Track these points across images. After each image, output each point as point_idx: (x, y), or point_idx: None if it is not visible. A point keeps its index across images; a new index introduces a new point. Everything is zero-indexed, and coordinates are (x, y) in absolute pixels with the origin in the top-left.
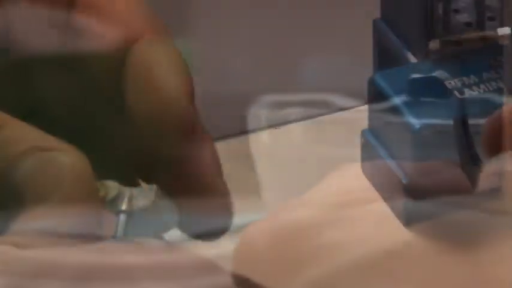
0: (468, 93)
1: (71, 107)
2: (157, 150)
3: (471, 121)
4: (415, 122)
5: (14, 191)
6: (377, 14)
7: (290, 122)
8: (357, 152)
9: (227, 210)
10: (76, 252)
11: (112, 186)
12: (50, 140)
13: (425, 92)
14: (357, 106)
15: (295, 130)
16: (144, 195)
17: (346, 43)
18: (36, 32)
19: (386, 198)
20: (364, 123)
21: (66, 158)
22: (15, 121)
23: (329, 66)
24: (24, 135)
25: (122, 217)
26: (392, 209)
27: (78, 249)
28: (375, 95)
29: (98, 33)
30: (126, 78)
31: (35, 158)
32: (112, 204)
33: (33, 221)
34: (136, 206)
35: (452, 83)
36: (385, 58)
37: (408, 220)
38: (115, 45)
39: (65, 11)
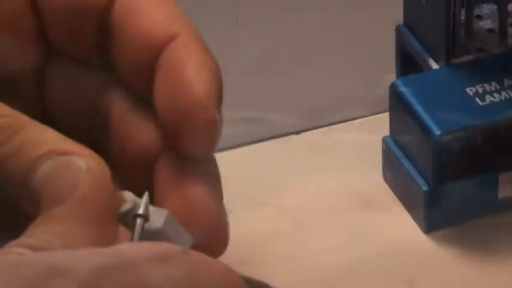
0: (489, 100)
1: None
2: (178, 147)
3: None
4: (435, 128)
5: (31, 195)
6: (400, 19)
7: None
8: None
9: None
10: (91, 254)
11: (129, 198)
12: (69, 144)
13: (446, 98)
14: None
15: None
16: (156, 215)
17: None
18: (73, 34)
19: (407, 205)
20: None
21: (85, 162)
22: (34, 123)
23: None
24: (42, 138)
25: (139, 221)
26: (413, 216)
27: (93, 251)
28: (397, 101)
29: (135, 33)
30: (157, 76)
31: (53, 161)
32: (126, 215)
33: (49, 224)
34: (151, 226)
35: (473, 89)
36: (407, 63)
37: (428, 227)
38: (150, 45)
39: (103, 10)
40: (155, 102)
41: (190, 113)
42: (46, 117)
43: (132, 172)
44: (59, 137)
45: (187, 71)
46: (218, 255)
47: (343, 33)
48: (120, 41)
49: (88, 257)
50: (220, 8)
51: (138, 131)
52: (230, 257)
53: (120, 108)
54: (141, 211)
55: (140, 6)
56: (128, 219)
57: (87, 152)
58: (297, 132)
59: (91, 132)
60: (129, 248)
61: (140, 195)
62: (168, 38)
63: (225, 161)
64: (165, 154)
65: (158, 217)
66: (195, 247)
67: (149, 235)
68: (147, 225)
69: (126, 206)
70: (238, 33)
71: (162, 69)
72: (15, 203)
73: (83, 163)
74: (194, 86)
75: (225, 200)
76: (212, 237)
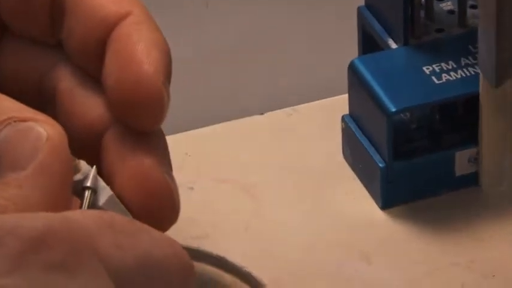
0: (445, 78)
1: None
2: (126, 121)
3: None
4: (390, 105)
5: None
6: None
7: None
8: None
9: (174, 206)
10: (39, 216)
11: (83, 168)
12: (28, 111)
13: (403, 77)
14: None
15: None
16: (101, 194)
17: (332, 30)
18: (25, 13)
19: (365, 182)
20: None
21: (45, 131)
22: None
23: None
24: (1, 106)
25: (87, 193)
26: (370, 193)
27: (42, 214)
28: (354, 80)
29: (86, 11)
30: (107, 53)
31: (12, 127)
32: (77, 185)
33: (6, 188)
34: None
35: (430, 68)
36: (368, 44)
37: (385, 203)
38: (100, 23)
39: None
40: (104, 78)
41: (139, 88)
42: None
43: (80, 147)
44: (18, 105)
45: (137, 47)
46: (170, 224)
47: (307, 17)
48: (71, 19)
49: (36, 219)
50: None
51: (85, 107)
52: (191, 231)
53: (67, 85)
54: (89, 183)
55: None
56: (78, 188)
57: (47, 119)
58: (261, 113)
59: (40, 109)
60: (77, 214)
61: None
62: (119, 17)
63: (190, 139)
64: (112, 128)
65: (101, 196)
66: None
67: (99, 185)
68: (98, 198)
69: (78, 176)
70: (208, 16)
71: (112, 46)
72: None
73: (43, 131)
74: (143, 63)
75: (187, 178)
76: (163, 206)
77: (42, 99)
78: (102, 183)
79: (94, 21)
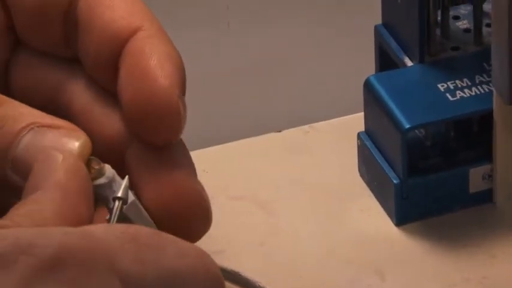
0: (460, 95)
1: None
2: (144, 136)
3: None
4: (404, 122)
5: (15, 164)
6: (379, 19)
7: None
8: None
9: (208, 215)
10: (58, 232)
11: (107, 172)
12: (48, 118)
13: (417, 94)
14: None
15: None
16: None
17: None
18: (40, 27)
19: (380, 199)
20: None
21: (61, 154)
22: (13, 100)
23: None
24: (22, 112)
25: (117, 203)
26: (385, 209)
27: (60, 229)
28: (370, 97)
29: (99, 26)
30: (121, 67)
31: (34, 133)
32: (100, 188)
33: (23, 206)
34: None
35: (445, 85)
36: (384, 62)
37: (399, 220)
38: (113, 38)
39: (69, 4)
40: (119, 93)
41: (155, 102)
42: None
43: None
44: (37, 112)
45: (150, 61)
46: (203, 233)
47: (325, 36)
48: (85, 34)
49: (53, 234)
50: (212, 12)
51: (103, 123)
52: (208, 246)
53: (83, 100)
54: (120, 194)
55: (104, 2)
56: (102, 192)
57: (67, 124)
58: (278, 131)
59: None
60: (100, 229)
61: None
62: (131, 31)
63: (208, 156)
64: (135, 144)
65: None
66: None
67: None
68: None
69: (101, 180)
70: (229, 35)
71: (125, 61)
72: None
73: (59, 154)
74: (158, 76)
75: (207, 192)
76: (198, 215)
77: (56, 113)
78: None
79: (106, 36)
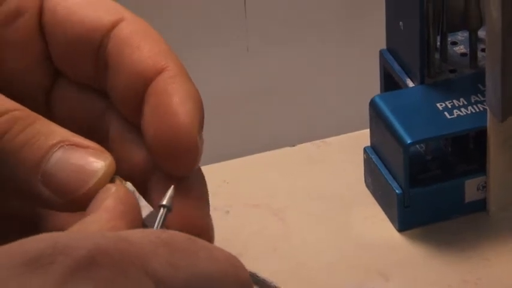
0: (457, 113)
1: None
2: (164, 168)
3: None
4: (406, 138)
5: (46, 178)
6: (383, 44)
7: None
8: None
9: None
10: (95, 236)
11: (130, 186)
12: (78, 137)
13: (418, 112)
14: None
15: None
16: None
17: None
18: (73, 61)
19: (384, 207)
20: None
21: (115, 186)
22: (45, 119)
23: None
24: (53, 130)
25: (162, 210)
26: (389, 216)
27: (99, 233)
28: (375, 115)
29: (127, 66)
30: (146, 105)
31: (64, 150)
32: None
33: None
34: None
35: (443, 104)
36: (388, 83)
37: (402, 226)
38: (140, 77)
39: (100, 45)
40: (143, 129)
41: (176, 139)
42: None
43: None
44: (67, 131)
45: (172, 100)
46: None
47: (335, 60)
48: (114, 72)
49: (89, 237)
50: (232, 36)
51: (131, 152)
52: (226, 250)
53: (115, 130)
54: (165, 202)
55: (133, 43)
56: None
57: (94, 145)
58: (292, 145)
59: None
60: (135, 234)
61: None
62: (156, 71)
63: (228, 168)
64: (157, 173)
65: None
66: None
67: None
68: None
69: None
70: (248, 58)
71: (150, 99)
72: (26, 185)
73: (112, 187)
74: (179, 114)
75: (224, 202)
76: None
77: (93, 138)
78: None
79: (133, 75)
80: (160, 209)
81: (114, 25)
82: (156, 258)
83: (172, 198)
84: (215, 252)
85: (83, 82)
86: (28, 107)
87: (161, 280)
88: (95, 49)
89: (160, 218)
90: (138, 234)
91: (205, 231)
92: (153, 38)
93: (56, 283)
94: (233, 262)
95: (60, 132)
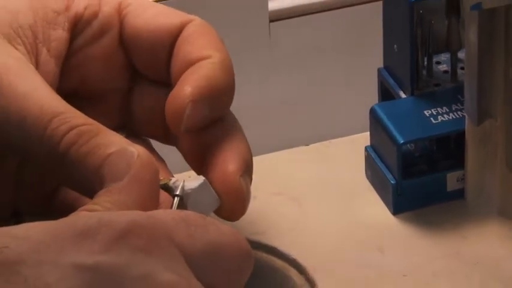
0: (440, 119)
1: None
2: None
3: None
4: (399, 138)
5: (103, 181)
6: (381, 63)
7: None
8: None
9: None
10: (131, 213)
11: (174, 177)
12: (130, 143)
13: (409, 118)
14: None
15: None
16: (194, 181)
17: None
18: (151, 63)
19: (381, 195)
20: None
21: (136, 151)
22: (108, 130)
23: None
24: (112, 140)
25: (176, 200)
26: (385, 202)
27: (133, 212)
28: (374, 120)
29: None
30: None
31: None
32: (170, 188)
33: (109, 194)
34: (188, 188)
35: (429, 111)
36: (385, 94)
37: (395, 210)
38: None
39: (170, 45)
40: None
41: (235, 199)
42: (130, 126)
43: None
44: (125, 140)
45: (227, 160)
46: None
47: (343, 77)
48: (172, 64)
49: (127, 215)
50: (252, 50)
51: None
52: (253, 228)
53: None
54: (177, 192)
55: (190, 39)
56: (171, 190)
57: (141, 148)
58: (306, 144)
59: (165, 139)
60: (161, 212)
61: None
62: (200, 59)
63: (256, 163)
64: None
65: (196, 182)
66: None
67: (187, 194)
68: (189, 186)
69: (171, 181)
70: (272, 76)
71: (209, 159)
72: (90, 186)
73: (134, 150)
74: (236, 175)
75: (252, 190)
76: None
77: (170, 137)
78: (194, 176)
79: (183, 64)
80: (175, 198)
81: (182, 27)
82: (178, 231)
83: (183, 189)
84: (221, 226)
85: (158, 79)
86: (110, 109)
87: (182, 247)
88: (167, 49)
89: (176, 203)
90: (162, 212)
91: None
92: (209, 36)
93: (100, 248)
94: (235, 234)
95: (117, 142)
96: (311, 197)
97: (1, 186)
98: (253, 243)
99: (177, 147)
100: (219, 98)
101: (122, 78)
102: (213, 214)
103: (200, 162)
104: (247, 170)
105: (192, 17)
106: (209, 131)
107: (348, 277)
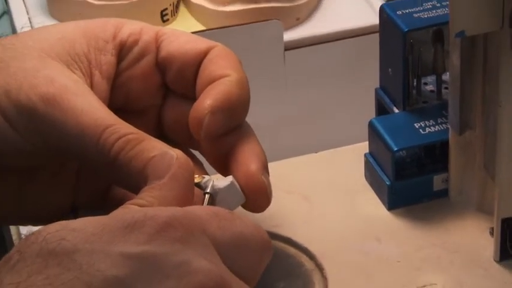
0: (428, 130)
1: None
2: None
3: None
4: (394, 146)
5: (146, 176)
6: (377, 84)
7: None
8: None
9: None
10: (170, 209)
11: (206, 177)
12: (170, 147)
13: (401, 129)
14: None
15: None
16: (223, 180)
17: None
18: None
19: (378, 193)
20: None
21: (176, 154)
22: (150, 137)
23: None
24: (154, 146)
25: (207, 197)
26: (381, 200)
27: (172, 208)
28: (372, 131)
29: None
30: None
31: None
32: (202, 186)
33: (151, 191)
34: (217, 187)
35: (419, 124)
36: (381, 109)
37: (390, 206)
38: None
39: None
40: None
41: (259, 195)
42: (162, 136)
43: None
44: (166, 145)
45: (247, 159)
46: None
47: (347, 95)
48: (197, 81)
49: (168, 210)
50: (269, 73)
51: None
52: (272, 221)
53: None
54: (208, 190)
55: (213, 60)
56: (204, 188)
57: (179, 151)
58: (316, 152)
59: (190, 144)
60: (195, 208)
61: None
62: (220, 77)
63: (273, 167)
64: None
65: (225, 181)
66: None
67: (216, 191)
68: (219, 185)
69: (204, 179)
70: (287, 94)
71: (232, 158)
72: (136, 184)
73: (174, 153)
74: (259, 174)
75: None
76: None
77: (194, 142)
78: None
79: (205, 81)
80: (205, 195)
81: (207, 51)
82: (209, 224)
83: (213, 187)
84: (246, 220)
85: (186, 94)
86: (149, 120)
87: (214, 238)
88: (194, 69)
89: (207, 200)
90: (197, 208)
91: (262, 188)
92: (229, 58)
93: (146, 238)
94: (258, 227)
95: (159, 147)
96: (319, 196)
97: (63, 186)
98: (271, 234)
99: (199, 151)
100: (234, 110)
101: (157, 94)
102: (239, 208)
103: (221, 164)
104: (265, 168)
105: (216, 43)
106: (228, 138)
107: (350, 262)
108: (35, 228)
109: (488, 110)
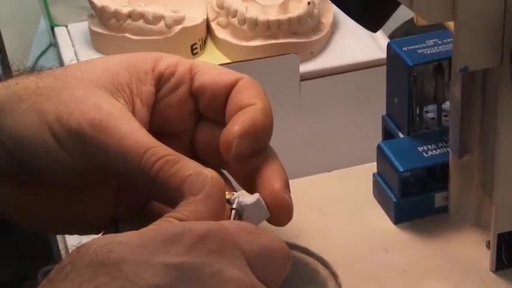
0: (430, 153)
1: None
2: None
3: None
4: (400, 168)
5: (182, 193)
6: (384, 112)
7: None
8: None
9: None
10: (206, 223)
11: (235, 194)
12: (204, 167)
13: (406, 152)
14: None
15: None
16: (249, 197)
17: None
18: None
19: (385, 209)
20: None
21: (210, 173)
22: (185, 158)
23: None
24: (189, 166)
25: (233, 212)
26: (388, 215)
27: (207, 222)
28: (380, 154)
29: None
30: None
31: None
32: (230, 202)
33: (188, 206)
34: (244, 203)
35: (422, 148)
36: (388, 134)
37: (396, 221)
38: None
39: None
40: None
41: (282, 211)
42: (195, 157)
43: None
44: (200, 165)
45: (272, 180)
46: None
47: (357, 121)
48: (227, 109)
49: (204, 224)
50: (287, 100)
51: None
52: (290, 233)
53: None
54: (234, 206)
55: (241, 90)
56: (231, 203)
57: (211, 170)
58: (329, 171)
59: (219, 165)
60: (227, 223)
61: None
62: (247, 106)
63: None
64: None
65: (251, 198)
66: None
67: (243, 207)
68: (245, 201)
69: (234, 196)
70: (303, 120)
71: (257, 180)
72: (173, 199)
73: (208, 173)
74: (283, 193)
75: None
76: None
77: (223, 163)
78: (249, 195)
79: (234, 109)
80: (232, 211)
81: (235, 82)
82: (240, 237)
83: (239, 203)
84: (270, 234)
85: (217, 120)
86: (184, 143)
87: (243, 250)
88: (224, 98)
89: (234, 215)
90: (228, 223)
91: (286, 205)
92: (254, 89)
93: (184, 249)
94: (280, 240)
95: (194, 167)
96: (333, 210)
97: (105, 202)
98: (290, 245)
99: (228, 171)
100: (259, 134)
101: (191, 119)
102: (264, 222)
103: (247, 182)
104: (287, 187)
105: (243, 75)
106: (254, 159)
107: (362, 270)
108: (84, 240)
109: (487, 136)
